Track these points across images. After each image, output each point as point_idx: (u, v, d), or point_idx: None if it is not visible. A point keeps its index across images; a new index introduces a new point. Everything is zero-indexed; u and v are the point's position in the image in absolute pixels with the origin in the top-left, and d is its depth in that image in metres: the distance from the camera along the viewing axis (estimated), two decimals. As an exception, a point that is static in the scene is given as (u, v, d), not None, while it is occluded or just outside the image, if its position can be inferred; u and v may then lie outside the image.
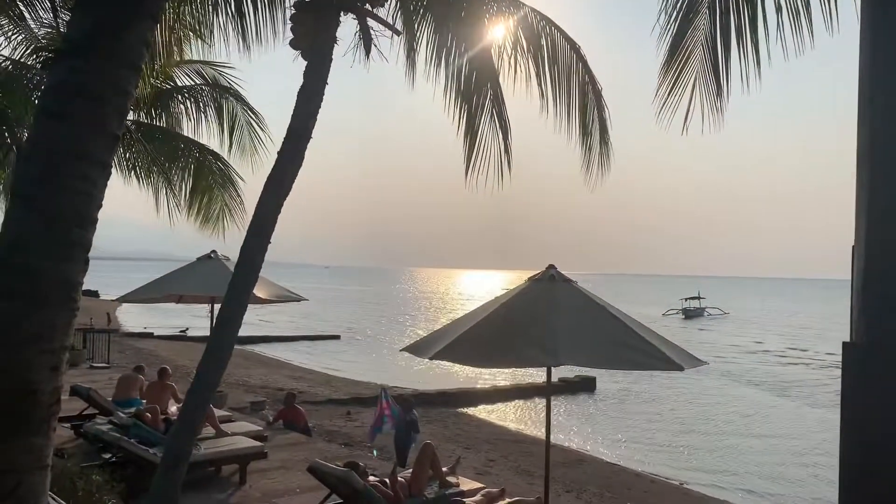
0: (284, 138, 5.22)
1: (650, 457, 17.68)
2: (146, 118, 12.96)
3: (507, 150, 6.78)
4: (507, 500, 7.18)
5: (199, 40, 8.25)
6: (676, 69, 7.49)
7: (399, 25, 6.64)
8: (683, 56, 7.51)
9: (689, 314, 71.15)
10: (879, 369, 1.52)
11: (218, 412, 10.37)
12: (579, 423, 21.46)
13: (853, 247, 1.60)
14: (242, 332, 5.47)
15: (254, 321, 42.56)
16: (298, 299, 12.83)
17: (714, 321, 67.40)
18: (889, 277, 1.56)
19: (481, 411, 21.98)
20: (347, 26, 5.63)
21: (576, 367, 21.80)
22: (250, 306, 5.36)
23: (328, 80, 5.38)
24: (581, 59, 7.81)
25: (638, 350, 5.98)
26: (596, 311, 6.39)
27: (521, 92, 7.26)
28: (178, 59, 10.46)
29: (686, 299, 74.41)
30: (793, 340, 50.38)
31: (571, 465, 15.00)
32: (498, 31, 7.13)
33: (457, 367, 23.70)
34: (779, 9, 6.72)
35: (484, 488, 7.61)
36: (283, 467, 9.62)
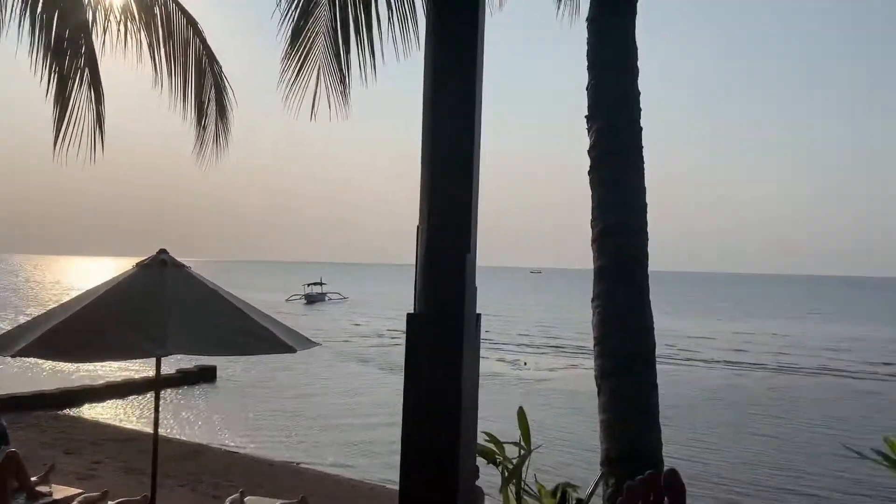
0: None
1: (269, 441, 17.90)
2: None
3: (100, 120, 6.17)
4: (111, 502, 6.65)
5: None
6: (300, 56, 7.64)
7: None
8: (306, 44, 7.68)
9: (311, 299, 73.64)
10: (434, 337, 1.70)
11: None
12: (198, 414, 20.85)
13: (418, 227, 1.76)
14: None
15: None
16: None
17: (334, 305, 70.79)
18: (442, 255, 1.74)
19: (88, 411, 20.01)
20: None
21: (196, 357, 21.18)
22: None
23: None
24: (199, 34, 7.51)
25: (251, 334, 5.94)
26: (208, 296, 6.20)
27: (134, 64, 6.73)
28: None
29: (308, 285, 76.73)
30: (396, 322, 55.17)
31: (188, 458, 14.55)
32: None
33: (61, 364, 21.32)
34: (390, 8, 7.26)
35: (82, 493, 6.93)
36: None
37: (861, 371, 33.36)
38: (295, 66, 7.43)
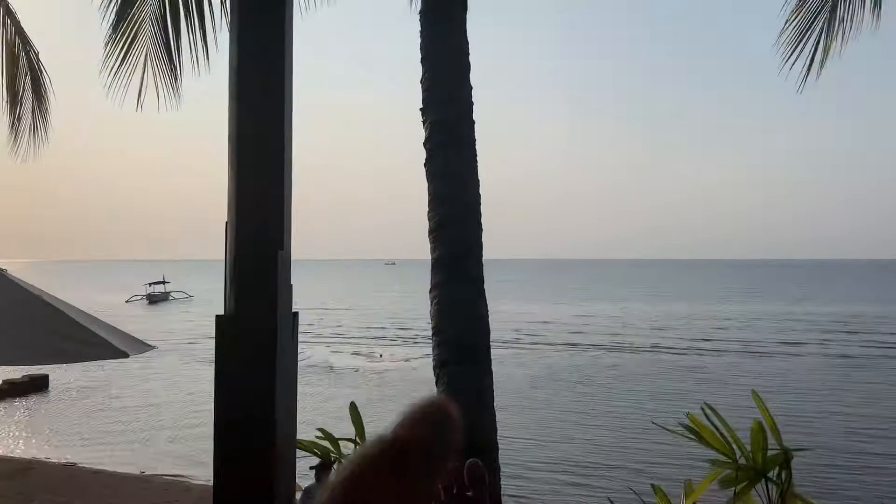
0: None
1: (111, 451, 16.90)
2: None
3: None
4: None
5: None
6: (125, 42, 7.18)
7: None
8: (131, 30, 7.23)
9: (154, 299, 70.00)
10: (245, 338, 1.65)
11: None
12: (30, 428, 19.35)
13: (226, 223, 1.70)
14: None
15: None
16: None
17: (179, 304, 67.61)
18: (253, 252, 1.70)
19: None
20: None
21: (23, 367, 19.53)
22: None
23: None
24: (15, 22, 6.92)
25: (77, 340, 5.59)
26: (29, 301, 5.74)
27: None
28: None
29: (150, 284, 72.82)
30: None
31: (18, 476, 13.54)
32: None
33: None
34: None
35: None
36: None
37: (689, 348, 36.12)
38: (119, 53, 6.99)
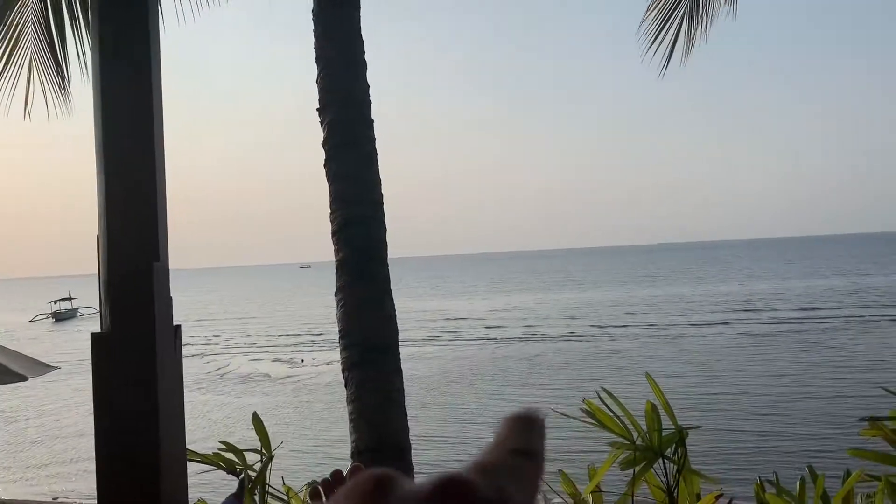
0: None
1: (18, 478, 16.06)
2: None
3: None
4: None
5: None
6: (7, 46, 6.80)
7: None
8: (13, 31, 6.86)
9: (60, 317, 66.79)
10: (122, 356, 1.59)
11: None
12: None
13: (97, 236, 1.62)
14: None
15: None
16: None
17: (87, 321, 64.76)
18: (126, 265, 1.64)
19: None
20: None
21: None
22: None
23: None
24: None
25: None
26: None
27: None
28: None
29: (55, 301, 69.45)
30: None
31: None
32: None
33: None
34: None
35: None
36: None
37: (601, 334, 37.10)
38: (1, 57, 6.61)
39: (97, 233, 1.71)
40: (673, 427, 2.77)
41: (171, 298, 1.74)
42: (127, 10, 1.69)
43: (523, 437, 0.48)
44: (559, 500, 3.04)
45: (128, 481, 1.61)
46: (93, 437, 1.62)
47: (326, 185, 4.34)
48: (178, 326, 1.79)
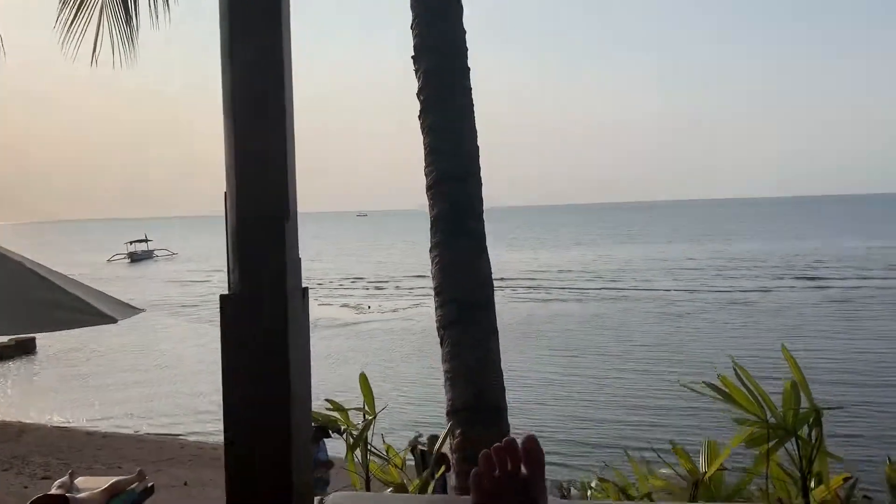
0: None
1: (103, 412, 16.87)
2: None
3: None
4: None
5: None
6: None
7: None
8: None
9: (136, 258, 69.34)
10: (253, 320, 1.49)
11: None
12: (19, 391, 19.39)
13: (225, 193, 1.51)
14: None
15: None
16: None
17: (162, 263, 67.05)
18: (256, 226, 1.52)
19: None
20: None
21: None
22: None
23: None
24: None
25: (64, 307, 5.42)
26: (9, 269, 5.54)
27: None
28: None
29: (131, 242, 72.06)
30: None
31: (11, 440, 13.58)
32: None
33: None
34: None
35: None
36: None
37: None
38: (73, 4, 6.59)
39: (224, 191, 1.62)
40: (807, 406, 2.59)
41: (299, 259, 1.65)
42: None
43: None
44: (667, 471, 2.90)
45: (259, 443, 1.55)
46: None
47: (421, 138, 4.19)
48: (306, 289, 1.71)
